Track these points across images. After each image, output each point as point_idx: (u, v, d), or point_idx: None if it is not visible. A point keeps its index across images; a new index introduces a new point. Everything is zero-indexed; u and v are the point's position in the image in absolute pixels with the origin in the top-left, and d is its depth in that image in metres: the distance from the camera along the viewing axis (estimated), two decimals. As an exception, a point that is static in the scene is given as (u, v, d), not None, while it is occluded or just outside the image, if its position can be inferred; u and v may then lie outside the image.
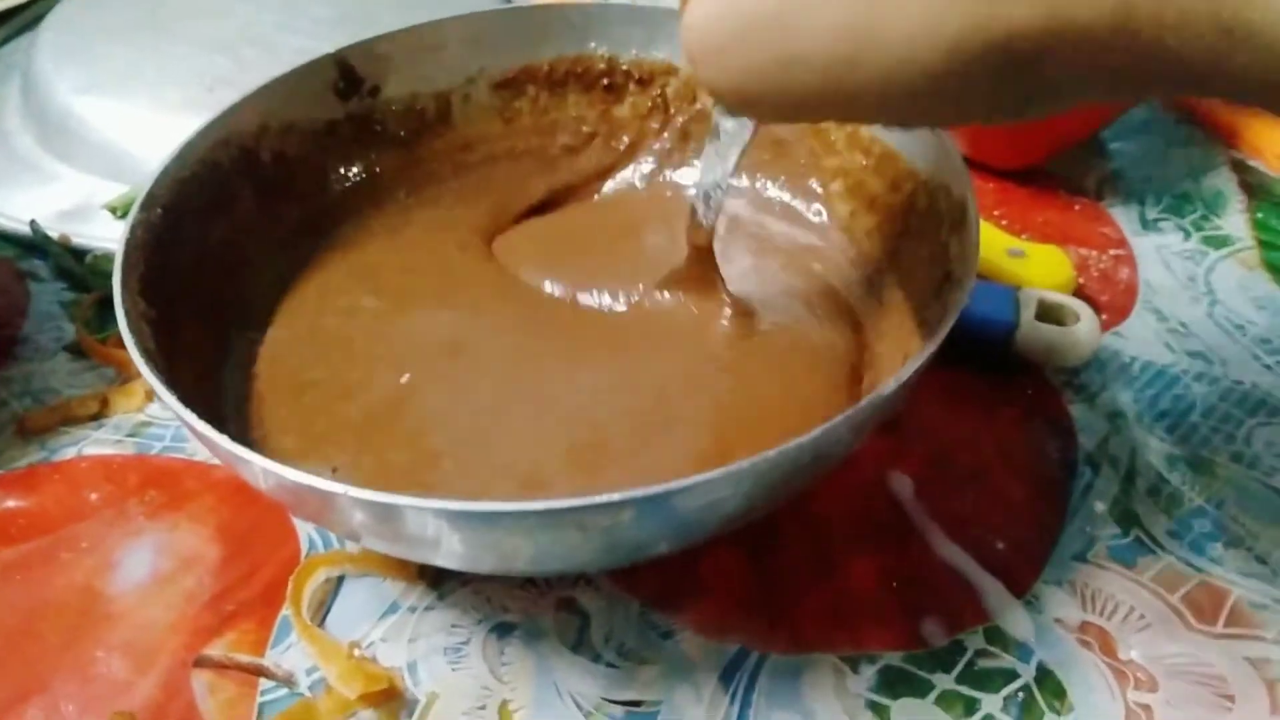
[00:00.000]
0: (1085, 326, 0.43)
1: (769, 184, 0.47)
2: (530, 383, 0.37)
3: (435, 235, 0.44)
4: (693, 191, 0.37)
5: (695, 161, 0.38)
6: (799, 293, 0.41)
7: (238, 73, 0.54)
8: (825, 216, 0.45)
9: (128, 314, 0.32)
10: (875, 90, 0.24)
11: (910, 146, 0.40)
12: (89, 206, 0.51)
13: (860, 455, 0.40)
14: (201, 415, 0.29)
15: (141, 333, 0.32)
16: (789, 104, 0.25)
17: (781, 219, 0.45)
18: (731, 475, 0.26)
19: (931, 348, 0.30)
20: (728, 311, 0.39)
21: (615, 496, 0.26)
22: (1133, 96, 0.31)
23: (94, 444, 0.42)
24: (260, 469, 0.28)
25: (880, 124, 0.34)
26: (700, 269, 0.39)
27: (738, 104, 0.27)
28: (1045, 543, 0.38)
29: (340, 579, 0.37)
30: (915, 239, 0.39)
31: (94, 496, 0.39)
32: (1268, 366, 0.44)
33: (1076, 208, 0.54)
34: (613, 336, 0.39)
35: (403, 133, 0.46)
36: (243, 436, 0.35)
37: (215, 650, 0.35)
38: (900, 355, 0.37)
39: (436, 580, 0.36)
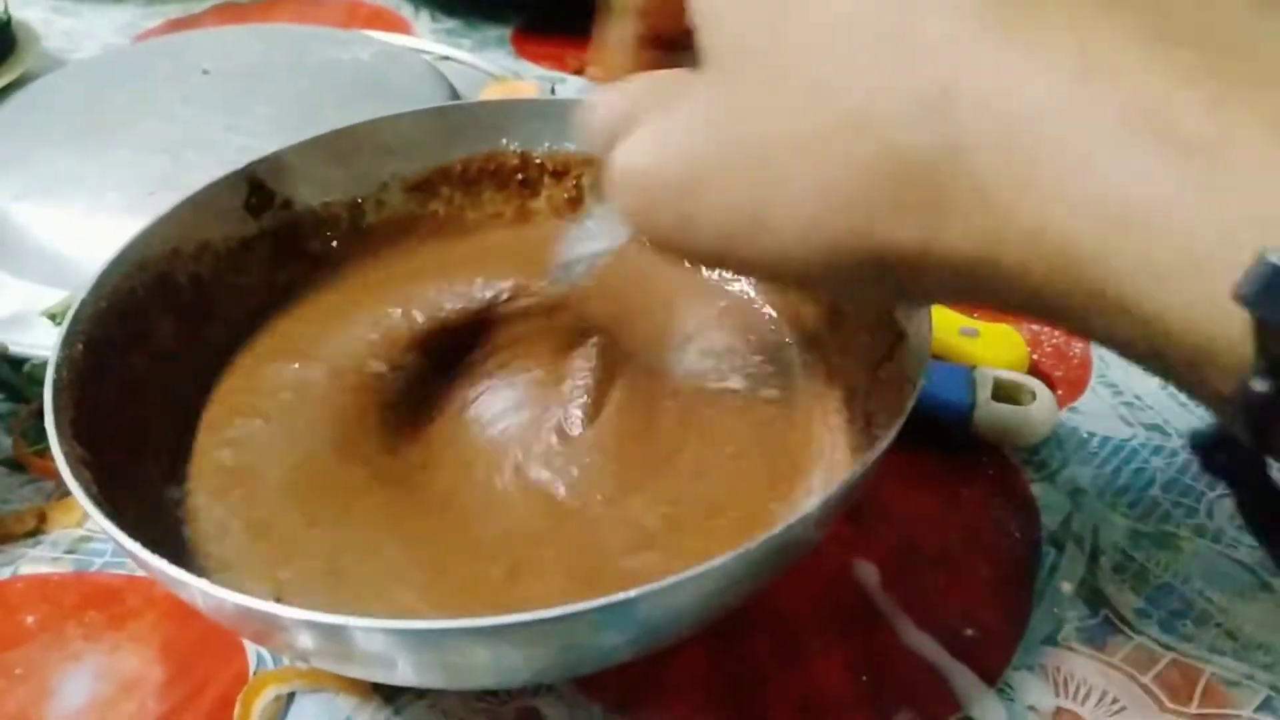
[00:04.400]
0: (1041, 405, 0.43)
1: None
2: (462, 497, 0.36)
3: (353, 343, 0.43)
4: (560, 256, 0.37)
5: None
6: (736, 362, 0.41)
7: (179, 174, 0.53)
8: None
9: (66, 457, 0.31)
10: (764, 267, 0.26)
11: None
12: (27, 314, 0.50)
13: (824, 544, 0.39)
14: (140, 538, 0.28)
15: (82, 476, 0.31)
16: (689, 258, 0.27)
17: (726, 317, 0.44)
18: (697, 578, 0.26)
19: (886, 441, 0.29)
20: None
21: (579, 607, 0.25)
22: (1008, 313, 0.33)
23: (30, 562, 0.40)
24: (199, 591, 0.27)
25: None
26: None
27: (650, 243, 0.28)
28: (1014, 627, 0.37)
29: (291, 696, 0.35)
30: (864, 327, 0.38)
31: (30, 620, 0.38)
32: (1223, 437, 0.44)
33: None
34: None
35: (318, 244, 0.46)
36: (183, 556, 0.33)
37: (159, 780, 0.33)
38: (843, 440, 0.37)
39: (392, 695, 0.35)
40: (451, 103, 0.48)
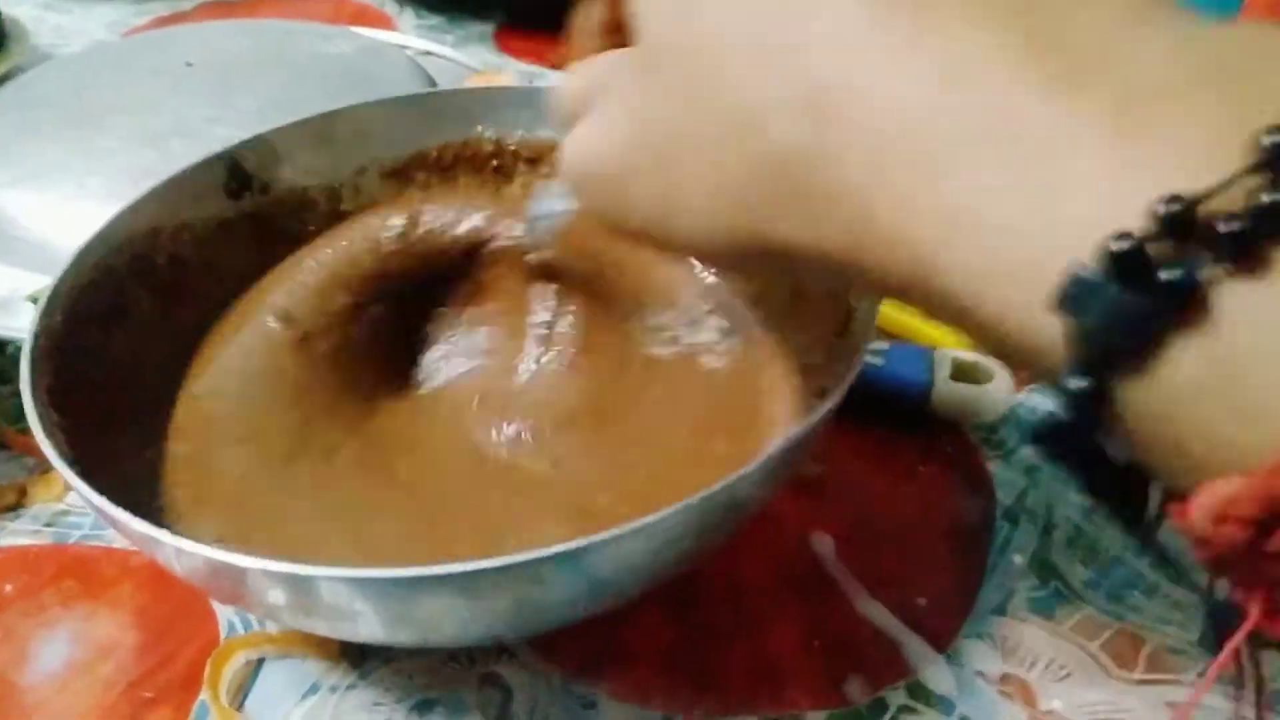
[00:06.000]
0: (999, 385, 0.44)
1: None
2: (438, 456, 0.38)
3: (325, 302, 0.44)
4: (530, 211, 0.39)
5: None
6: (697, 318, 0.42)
7: (164, 165, 0.54)
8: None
9: (41, 420, 0.32)
10: (681, 250, 0.29)
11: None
12: (13, 299, 0.51)
13: (781, 516, 0.40)
14: (112, 498, 0.29)
15: (56, 438, 0.32)
16: (624, 236, 0.29)
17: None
18: (641, 530, 0.27)
19: (828, 408, 0.30)
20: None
21: (530, 555, 0.26)
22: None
23: (10, 535, 0.41)
24: (173, 549, 0.28)
25: None
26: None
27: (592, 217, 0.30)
28: (965, 597, 0.38)
29: (260, 661, 0.36)
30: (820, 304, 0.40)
31: (9, 588, 0.39)
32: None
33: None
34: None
35: (296, 228, 0.47)
36: (159, 522, 0.34)
37: (130, 739, 0.34)
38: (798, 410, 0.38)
39: (359, 659, 0.36)
40: (428, 90, 0.49)
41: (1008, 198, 0.18)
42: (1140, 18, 0.19)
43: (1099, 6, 0.20)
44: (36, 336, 0.34)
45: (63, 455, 0.31)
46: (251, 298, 0.43)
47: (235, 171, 0.45)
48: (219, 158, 0.44)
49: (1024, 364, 0.20)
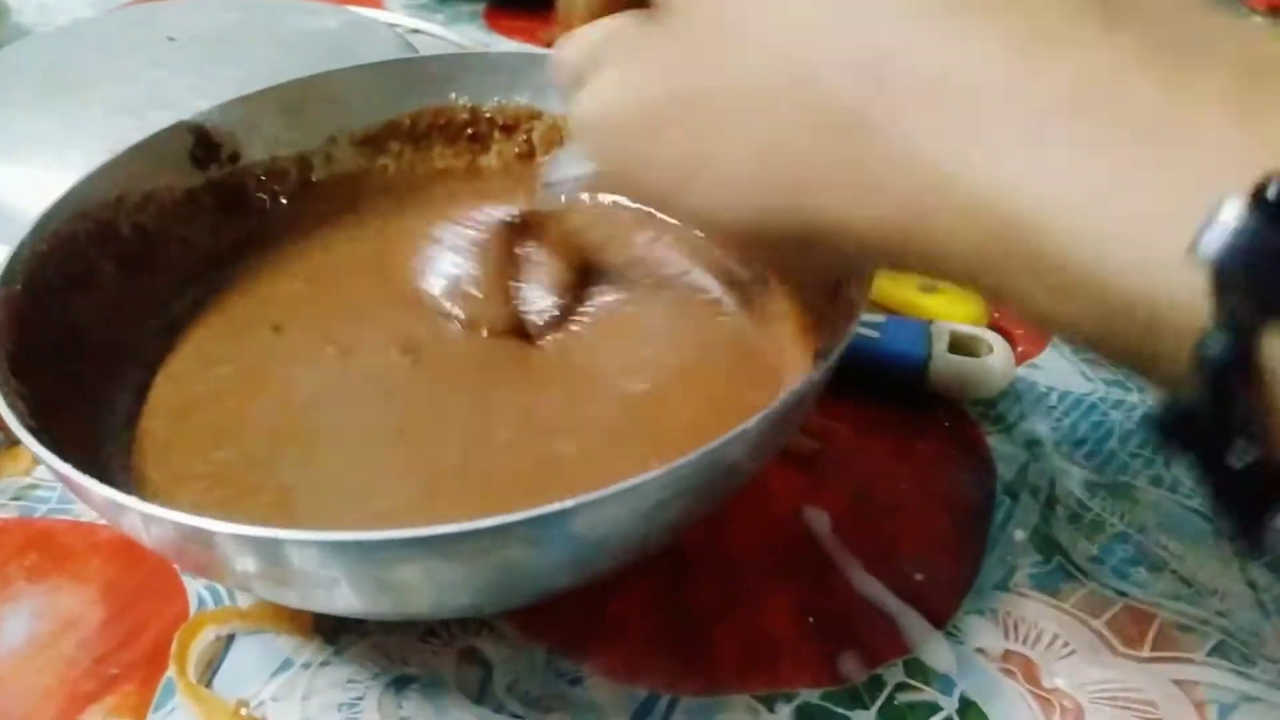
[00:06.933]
0: (998, 357, 0.42)
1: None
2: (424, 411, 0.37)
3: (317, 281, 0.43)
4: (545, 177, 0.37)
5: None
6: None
7: (142, 135, 0.53)
8: None
9: (2, 388, 0.30)
10: (699, 217, 0.27)
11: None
12: (-15, 271, 0.50)
13: (775, 491, 0.39)
14: (76, 463, 0.27)
15: (17, 406, 0.30)
16: (640, 198, 0.30)
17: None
18: (627, 492, 0.25)
19: (823, 369, 0.29)
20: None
21: (510, 518, 0.25)
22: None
23: (-25, 509, 0.40)
24: (139, 514, 0.27)
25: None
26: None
27: (609, 180, 0.31)
28: (966, 573, 0.37)
29: (231, 637, 0.35)
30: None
31: (-29, 562, 0.37)
32: (1183, 393, 0.44)
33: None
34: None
35: (266, 199, 0.45)
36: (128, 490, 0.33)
37: (94, 716, 0.32)
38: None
39: (333, 635, 0.35)
40: (400, 57, 0.48)
41: (1118, 159, 0.18)
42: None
43: None
44: None
45: (24, 424, 0.29)
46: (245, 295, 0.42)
47: (202, 139, 0.43)
48: (185, 125, 0.43)
49: (1131, 341, 0.19)
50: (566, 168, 0.36)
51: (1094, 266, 0.19)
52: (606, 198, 0.44)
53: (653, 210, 0.42)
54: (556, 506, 0.25)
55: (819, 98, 0.22)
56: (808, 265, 0.37)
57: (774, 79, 0.23)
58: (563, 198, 0.38)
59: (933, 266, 0.23)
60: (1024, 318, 0.22)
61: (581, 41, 0.29)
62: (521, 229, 0.41)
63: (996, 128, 0.20)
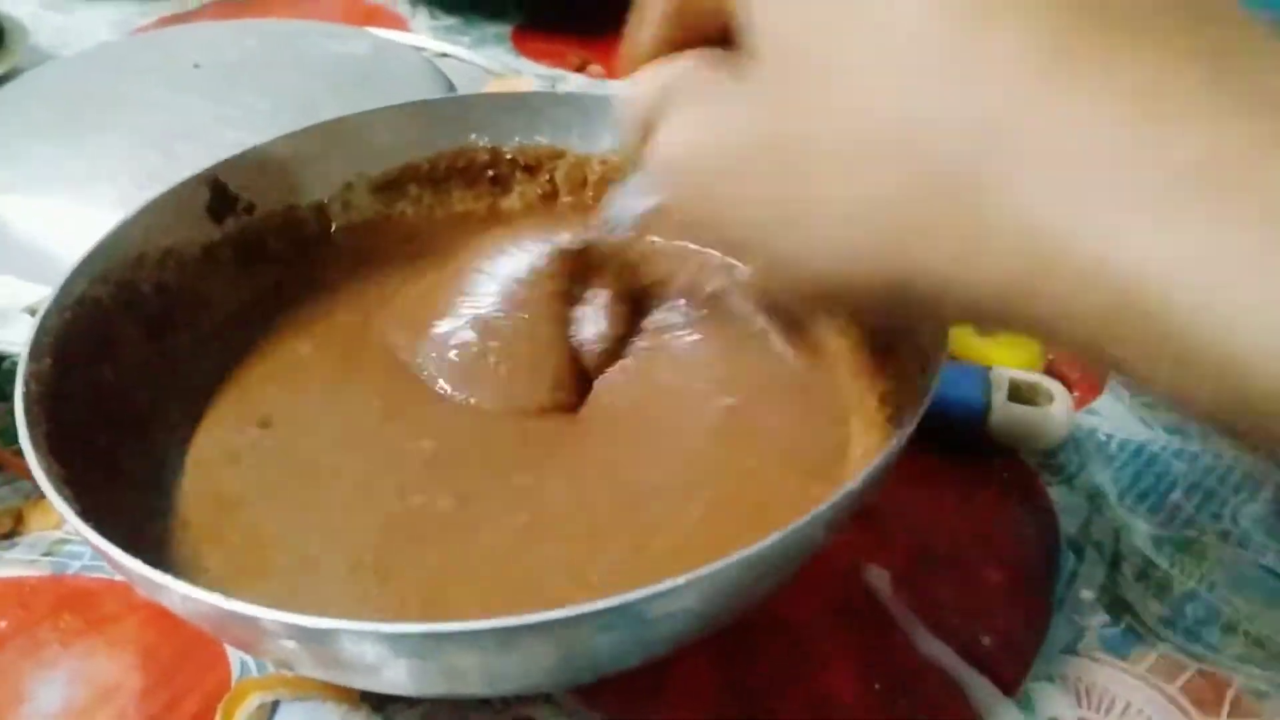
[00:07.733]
0: (1059, 407, 0.41)
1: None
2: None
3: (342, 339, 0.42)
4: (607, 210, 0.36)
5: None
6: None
7: (170, 167, 0.52)
8: None
9: (46, 474, 0.29)
10: (782, 268, 0.25)
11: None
12: (10, 309, 0.48)
13: (833, 548, 0.38)
14: (119, 541, 0.26)
15: (64, 493, 0.29)
16: (717, 244, 0.30)
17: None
18: (702, 580, 0.24)
19: (903, 438, 0.28)
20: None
21: (572, 611, 0.23)
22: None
23: (5, 565, 0.38)
24: (179, 595, 0.25)
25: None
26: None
27: (685, 223, 0.29)
28: (1033, 635, 0.36)
29: (275, 704, 0.33)
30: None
31: (3, 624, 0.36)
32: (1247, 440, 0.43)
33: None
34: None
35: (283, 248, 0.44)
36: (167, 563, 0.32)
37: (135, 792, 0.31)
38: (874, 437, 0.35)
39: (381, 704, 0.33)
40: (418, 100, 0.46)
41: (1245, 239, 0.17)
42: None
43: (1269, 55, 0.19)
44: (27, 382, 0.32)
45: (66, 499, 0.28)
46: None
47: (217, 192, 0.42)
48: (198, 179, 0.41)
49: (1255, 415, 0.18)
50: (630, 201, 0.35)
51: (1224, 348, 0.18)
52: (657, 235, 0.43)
53: (726, 255, 0.41)
54: (629, 597, 0.24)
55: (926, 154, 0.21)
56: (890, 321, 0.36)
57: (877, 131, 0.22)
58: (624, 231, 0.37)
59: (1039, 333, 0.22)
60: (1150, 394, 0.20)
61: (653, 79, 0.28)
62: (581, 258, 0.40)
63: (1118, 196, 0.19)
